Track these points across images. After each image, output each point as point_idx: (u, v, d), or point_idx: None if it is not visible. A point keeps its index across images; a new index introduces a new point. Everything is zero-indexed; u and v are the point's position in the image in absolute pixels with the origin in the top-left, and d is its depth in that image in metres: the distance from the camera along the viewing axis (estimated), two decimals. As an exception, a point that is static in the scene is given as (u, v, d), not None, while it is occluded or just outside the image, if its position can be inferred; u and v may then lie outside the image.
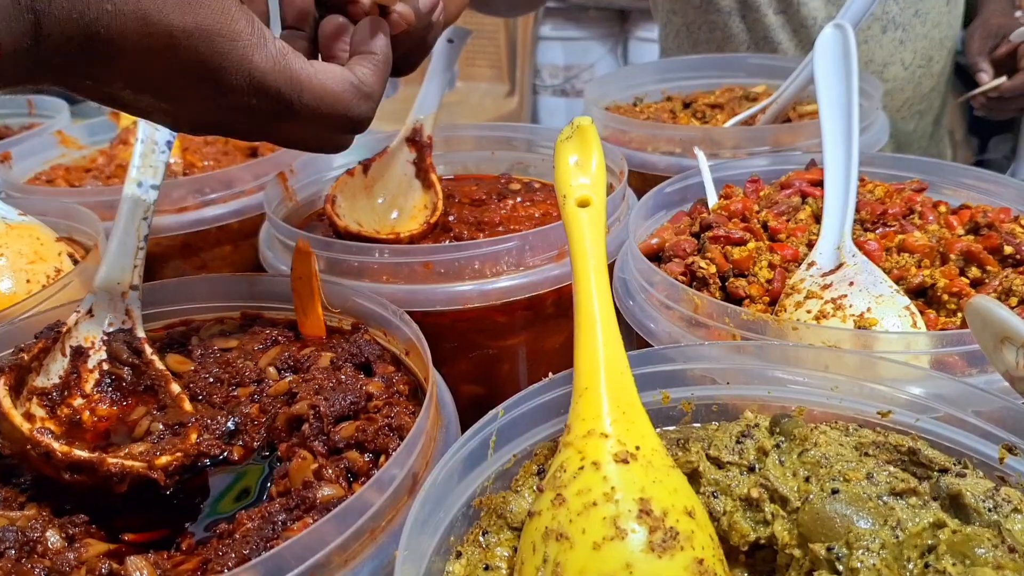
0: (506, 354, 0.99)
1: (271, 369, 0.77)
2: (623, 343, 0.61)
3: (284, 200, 1.13)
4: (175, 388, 0.73)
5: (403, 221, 1.14)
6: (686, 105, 1.51)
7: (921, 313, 0.77)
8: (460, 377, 0.93)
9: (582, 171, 0.69)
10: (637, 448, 0.55)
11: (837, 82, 0.99)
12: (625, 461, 0.54)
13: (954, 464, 0.59)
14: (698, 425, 0.70)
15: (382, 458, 0.66)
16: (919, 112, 1.73)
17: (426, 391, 0.66)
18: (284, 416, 0.70)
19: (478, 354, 0.97)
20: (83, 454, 0.61)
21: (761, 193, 1.02)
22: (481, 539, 0.59)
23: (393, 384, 0.74)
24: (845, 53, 1.00)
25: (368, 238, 1.06)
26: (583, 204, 0.67)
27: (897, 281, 0.80)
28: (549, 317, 0.97)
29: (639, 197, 1.03)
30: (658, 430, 0.60)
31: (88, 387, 0.72)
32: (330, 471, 0.63)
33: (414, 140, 1.19)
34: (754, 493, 0.58)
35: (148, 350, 0.76)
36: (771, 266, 0.87)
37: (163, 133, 0.86)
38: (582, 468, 0.54)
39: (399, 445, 0.64)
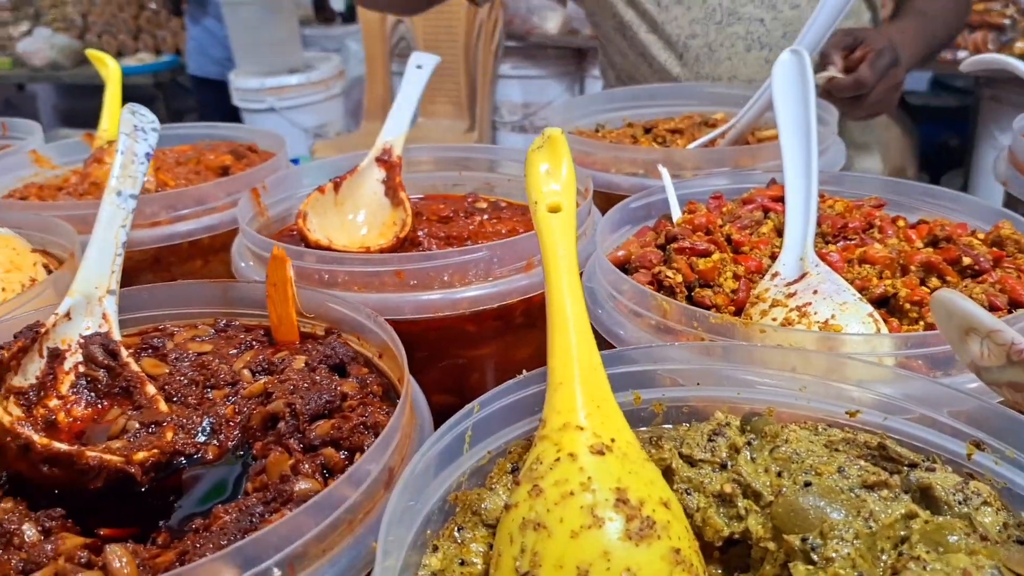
0: (476, 363, 1.00)
1: (245, 372, 0.77)
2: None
3: (256, 215, 1.14)
4: (150, 389, 0.73)
5: (373, 237, 1.15)
6: (647, 131, 1.53)
7: (884, 322, 0.79)
8: (432, 386, 0.93)
9: (553, 178, 0.71)
10: (612, 440, 0.56)
11: (795, 102, 1.02)
12: (601, 452, 0.55)
13: (923, 460, 0.60)
14: (669, 426, 0.71)
15: (357, 455, 0.66)
16: None
17: (399, 392, 0.67)
18: (259, 415, 0.70)
19: (448, 363, 0.98)
20: (62, 447, 0.61)
21: (724, 209, 1.04)
22: (456, 534, 0.59)
23: (367, 385, 0.74)
24: (802, 77, 1.03)
25: (339, 251, 1.06)
26: (554, 210, 0.69)
27: (860, 291, 0.82)
28: (518, 327, 0.98)
29: (604, 216, 1.05)
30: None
31: (64, 388, 0.72)
32: (307, 466, 0.63)
33: (383, 160, 1.21)
34: (727, 488, 0.59)
35: (124, 352, 0.75)
36: (735, 277, 0.88)
37: (142, 145, 0.87)
38: (558, 459, 0.55)
39: (375, 443, 0.65)
